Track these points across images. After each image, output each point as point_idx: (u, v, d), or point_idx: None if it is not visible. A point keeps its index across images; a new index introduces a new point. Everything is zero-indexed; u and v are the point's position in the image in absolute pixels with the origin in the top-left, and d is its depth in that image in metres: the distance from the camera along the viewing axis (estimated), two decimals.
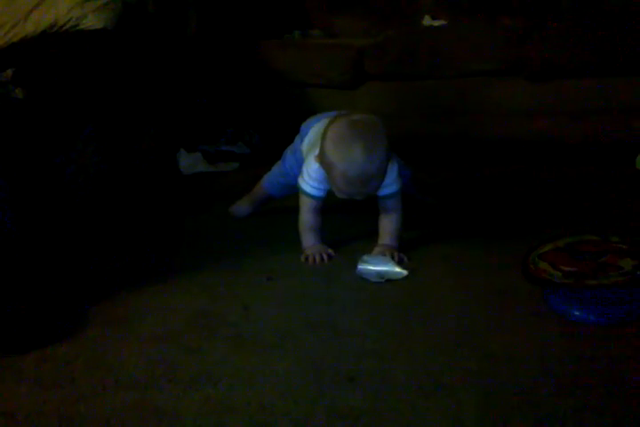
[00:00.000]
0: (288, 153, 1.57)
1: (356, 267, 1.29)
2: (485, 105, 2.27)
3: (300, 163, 1.42)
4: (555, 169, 2.03)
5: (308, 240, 1.40)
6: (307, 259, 1.38)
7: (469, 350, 1.01)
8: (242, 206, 1.72)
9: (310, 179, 1.35)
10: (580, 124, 2.16)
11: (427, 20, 2.53)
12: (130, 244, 1.59)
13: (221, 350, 1.06)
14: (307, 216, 1.39)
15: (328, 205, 1.43)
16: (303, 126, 1.52)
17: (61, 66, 1.87)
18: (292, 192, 1.48)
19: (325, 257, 1.38)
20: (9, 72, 1.81)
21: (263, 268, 1.37)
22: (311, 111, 1.93)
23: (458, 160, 2.23)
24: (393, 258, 1.30)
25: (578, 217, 1.59)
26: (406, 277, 1.28)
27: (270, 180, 1.64)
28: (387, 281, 1.26)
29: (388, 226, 1.36)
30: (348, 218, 1.62)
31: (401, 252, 1.35)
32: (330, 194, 1.38)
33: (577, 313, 1.08)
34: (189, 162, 2.34)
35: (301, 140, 1.48)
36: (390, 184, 1.34)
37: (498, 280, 1.26)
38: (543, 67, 2.15)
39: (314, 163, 1.33)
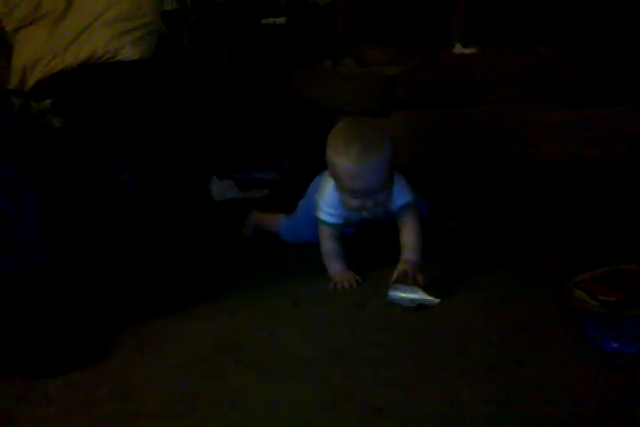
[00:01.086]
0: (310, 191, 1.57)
1: (387, 294, 1.26)
2: (519, 131, 2.24)
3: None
4: (590, 195, 1.98)
5: (335, 268, 1.40)
6: (335, 286, 1.37)
7: (498, 380, 0.97)
8: (249, 226, 1.77)
9: (325, 205, 1.38)
10: (617, 150, 2.12)
11: (458, 48, 2.54)
12: (159, 270, 1.60)
13: (245, 377, 1.04)
14: (327, 244, 1.40)
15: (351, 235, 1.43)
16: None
17: (98, 96, 1.93)
18: (304, 238, 1.53)
19: (354, 284, 1.37)
20: (48, 102, 1.87)
21: (289, 294, 1.36)
22: None
23: (489, 185, 2.20)
24: (416, 281, 1.26)
25: (614, 244, 1.53)
26: (433, 308, 1.25)
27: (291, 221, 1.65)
28: (418, 306, 1.23)
29: (407, 239, 1.35)
30: (372, 246, 1.60)
31: (423, 272, 1.31)
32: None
33: (615, 345, 1.03)
34: (221, 189, 2.36)
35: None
36: (400, 193, 1.35)
37: (529, 309, 1.22)
38: (577, 93, 2.13)
39: (327, 187, 1.37)
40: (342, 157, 1.26)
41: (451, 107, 2.35)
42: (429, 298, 1.24)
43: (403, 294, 1.24)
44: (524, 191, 2.09)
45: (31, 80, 2.17)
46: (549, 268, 1.41)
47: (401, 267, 1.30)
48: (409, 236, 1.35)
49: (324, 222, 1.40)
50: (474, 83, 2.31)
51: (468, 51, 2.48)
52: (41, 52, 2.18)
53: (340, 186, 1.32)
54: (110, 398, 1.01)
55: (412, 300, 1.23)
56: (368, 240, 1.57)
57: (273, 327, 1.21)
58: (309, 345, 1.13)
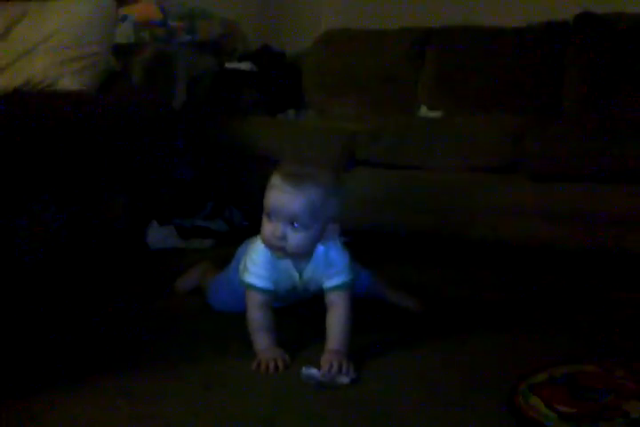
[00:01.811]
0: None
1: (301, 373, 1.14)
2: (479, 203, 2.11)
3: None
4: (552, 279, 1.83)
5: (261, 343, 1.22)
6: (258, 366, 1.18)
7: None
8: (188, 280, 1.62)
9: (253, 265, 1.24)
10: (584, 230, 1.98)
11: (423, 111, 2.45)
12: (58, 330, 1.37)
13: None
14: (256, 314, 1.23)
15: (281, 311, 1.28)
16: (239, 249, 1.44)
17: (18, 126, 1.71)
18: (228, 307, 1.40)
19: (281, 365, 1.18)
20: None
21: (205, 372, 1.15)
22: None
23: (447, 259, 2.05)
24: (340, 370, 1.14)
25: (576, 338, 1.38)
26: (370, 402, 1.06)
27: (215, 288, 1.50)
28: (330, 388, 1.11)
29: (335, 327, 1.22)
30: (301, 323, 1.42)
31: (350, 359, 1.18)
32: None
33: None
34: (159, 236, 2.16)
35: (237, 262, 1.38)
36: (340, 272, 1.25)
37: (477, 417, 1.03)
38: (544, 167, 2.02)
39: (256, 247, 1.25)
40: (277, 173, 1.19)
41: (411, 169, 2.23)
42: (344, 380, 1.12)
43: (315, 375, 1.13)
44: (485, 268, 1.94)
45: None
46: (504, 362, 1.24)
47: (326, 358, 1.16)
48: (338, 321, 1.22)
49: (252, 287, 1.24)
50: (437, 148, 2.19)
51: (433, 114, 2.39)
52: None
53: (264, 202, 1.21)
54: None
55: (323, 382, 1.12)
56: (299, 313, 1.39)
57: (171, 419, 1.00)
58: None
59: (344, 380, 1.12)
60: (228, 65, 2.78)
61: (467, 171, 2.13)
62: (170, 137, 2.33)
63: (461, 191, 2.13)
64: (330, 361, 1.14)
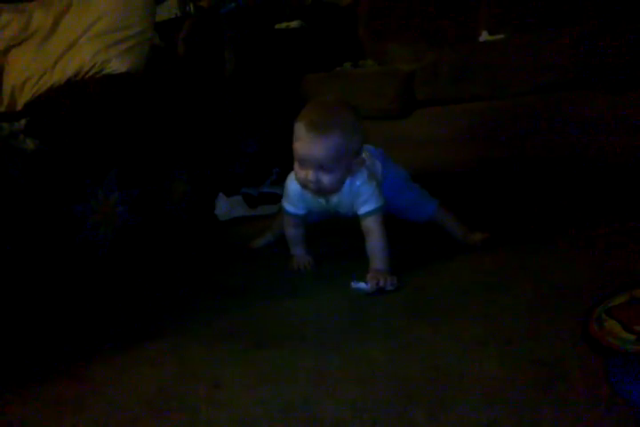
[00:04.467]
0: None
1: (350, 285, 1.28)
2: (556, 124, 1.94)
3: None
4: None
5: (295, 250, 1.49)
6: (297, 267, 1.45)
7: None
8: (262, 240, 1.71)
9: (288, 198, 1.42)
10: None
11: (483, 36, 2.26)
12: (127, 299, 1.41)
13: None
14: (291, 231, 1.47)
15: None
16: None
17: (77, 113, 1.77)
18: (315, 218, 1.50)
19: (308, 266, 1.45)
20: (22, 122, 1.73)
21: (254, 331, 1.13)
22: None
23: (526, 191, 1.91)
24: (385, 281, 1.26)
25: None
26: (424, 341, 1.00)
27: None
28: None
29: (373, 249, 1.33)
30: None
31: (393, 274, 1.28)
32: None
33: None
34: (226, 206, 2.17)
35: None
36: (368, 200, 1.33)
37: (545, 347, 0.94)
38: (623, 74, 1.81)
39: (290, 182, 1.39)
40: (300, 119, 1.26)
41: (477, 101, 2.08)
42: (387, 288, 1.25)
43: (363, 287, 1.26)
44: (566, 195, 1.79)
45: (20, 101, 2.06)
46: (579, 289, 1.12)
47: (372, 275, 1.28)
48: (375, 244, 1.32)
49: (286, 212, 1.44)
50: (501, 73, 2.03)
51: (494, 38, 2.20)
52: (29, 72, 2.06)
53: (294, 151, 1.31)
54: None
55: (371, 293, 1.25)
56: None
57: (222, 376, 0.98)
58: (257, 401, 0.89)
59: (389, 287, 1.25)
60: (278, 26, 2.72)
61: (537, 92, 1.96)
62: (228, 106, 2.32)
63: (535, 115, 1.96)
64: (375, 278, 1.26)
